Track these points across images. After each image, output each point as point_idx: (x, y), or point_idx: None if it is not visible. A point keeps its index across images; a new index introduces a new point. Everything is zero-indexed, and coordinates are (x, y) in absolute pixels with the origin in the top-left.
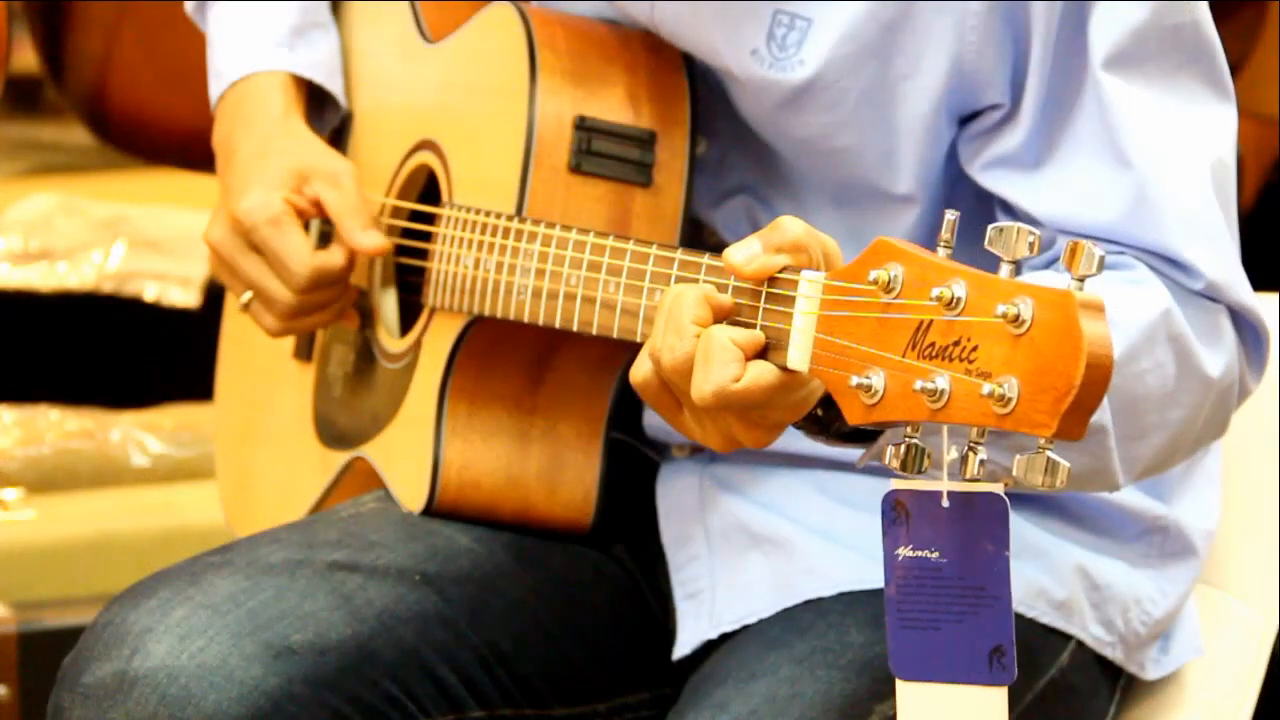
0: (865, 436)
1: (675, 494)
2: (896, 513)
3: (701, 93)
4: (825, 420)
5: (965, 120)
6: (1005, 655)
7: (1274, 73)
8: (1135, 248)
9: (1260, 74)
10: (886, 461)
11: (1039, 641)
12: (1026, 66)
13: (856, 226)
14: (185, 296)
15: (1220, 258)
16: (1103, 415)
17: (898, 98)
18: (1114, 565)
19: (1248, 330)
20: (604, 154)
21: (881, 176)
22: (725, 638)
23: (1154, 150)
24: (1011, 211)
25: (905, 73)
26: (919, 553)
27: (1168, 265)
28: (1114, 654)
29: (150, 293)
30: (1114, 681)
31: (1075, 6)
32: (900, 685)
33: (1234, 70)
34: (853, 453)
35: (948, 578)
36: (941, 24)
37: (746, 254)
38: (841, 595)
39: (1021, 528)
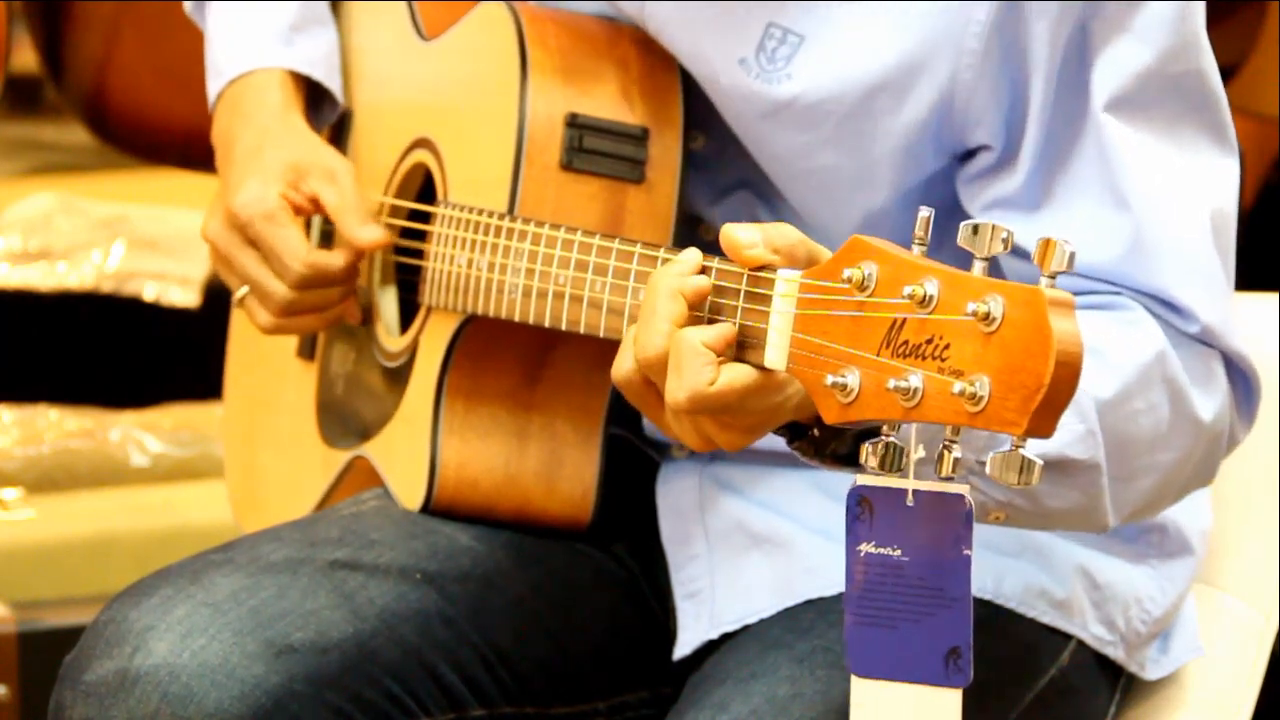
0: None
1: (675, 493)
2: (861, 508)
3: (695, 89)
4: (819, 441)
5: (962, 159)
6: (962, 657)
7: (1274, 73)
8: (1132, 289)
9: (1260, 74)
10: (863, 460)
11: (1039, 641)
12: (1026, 109)
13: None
14: (185, 296)
15: (1216, 303)
16: (1096, 452)
17: (880, 128)
18: (1114, 564)
19: (1239, 378)
20: (596, 151)
21: (857, 195)
22: (725, 637)
23: (1153, 193)
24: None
25: (890, 105)
26: (881, 550)
27: (1163, 308)
28: (1115, 653)
29: (150, 292)
30: (1114, 681)
31: (1078, 49)
32: (855, 682)
33: (1234, 70)
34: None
35: (908, 576)
36: (936, 60)
37: (749, 237)
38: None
39: None
